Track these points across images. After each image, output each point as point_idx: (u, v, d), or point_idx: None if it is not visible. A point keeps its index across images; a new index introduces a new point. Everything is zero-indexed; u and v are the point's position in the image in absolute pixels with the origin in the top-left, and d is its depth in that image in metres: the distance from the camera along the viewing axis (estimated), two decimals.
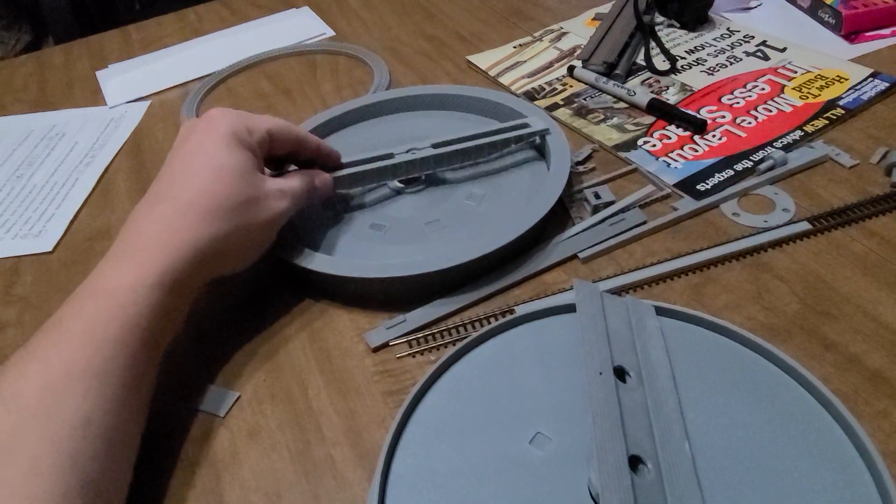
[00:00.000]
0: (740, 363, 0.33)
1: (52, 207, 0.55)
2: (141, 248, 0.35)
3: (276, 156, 0.44)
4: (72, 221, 0.54)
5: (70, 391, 0.30)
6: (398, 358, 0.39)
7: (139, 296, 0.33)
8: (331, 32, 0.78)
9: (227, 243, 0.37)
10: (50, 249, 0.51)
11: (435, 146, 0.49)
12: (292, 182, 0.42)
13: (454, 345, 0.38)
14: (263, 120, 0.42)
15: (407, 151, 0.49)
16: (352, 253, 0.45)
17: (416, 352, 0.39)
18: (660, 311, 0.35)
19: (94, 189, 0.57)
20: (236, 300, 0.44)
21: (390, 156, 0.48)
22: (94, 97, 0.72)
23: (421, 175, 0.50)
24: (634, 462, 0.28)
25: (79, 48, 0.83)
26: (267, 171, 0.43)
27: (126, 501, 0.32)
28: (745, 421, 0.30)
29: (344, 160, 0.48)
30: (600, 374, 0.30)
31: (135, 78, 0.74)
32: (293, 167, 0.46)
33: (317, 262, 0.42)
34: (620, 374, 0.31)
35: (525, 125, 0.50)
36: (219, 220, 0.37)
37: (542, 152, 0.51)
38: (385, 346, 0.40)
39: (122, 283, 0.34)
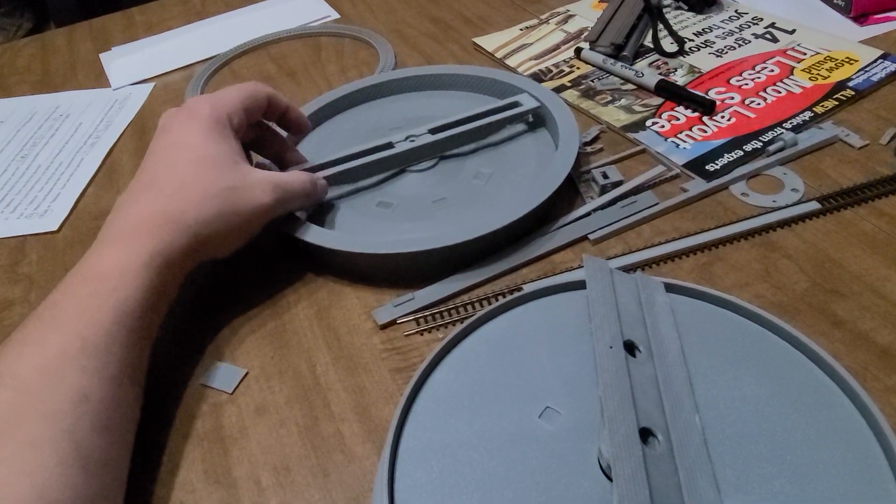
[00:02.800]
0: (750, 338, 0.33)
1: (56, 187, 0.55)
2: (129, 233, 0.36)
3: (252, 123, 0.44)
4: (77, 201, 0.54)
5: (67, 369, 0.30)
6: (406, 335, 0.39)
7: (129, 278, 0.34)
8: (335, 15, 0.78)
9: (209, 227, 0.38)
10: (55, 228, 0.51)
11: (433, 131, 0.49)
12: (290, 179, 0.42)
13: (462, 322, 0.38)
14: (235, 98, 0.42)
15: (406, 139, 0.49)
16: (359, 230, 0.45)
17: (424, 329, 0.39)
18: (669, 288, 0.35)
19: (98, 169, 0.57)
20: (244, 278, 0.44)
21: (390, 145, 0.48)
22: (98, 79, 0.72)
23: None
24: (645, 434, 0.28)
25: (82, 30, 0.83)
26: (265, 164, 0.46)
27: (127, 476, 0.32)
28: (755, 395, 0.30)
29: (347, 149, 0.48)
30: (610, 347, 0.30)
31: (139, 60, 0.74)
32: (295, 169, 0.46)
33: (324, 238, 0.42)
34: (630, 348, 0.31)
35: (517, 104, 0.50)
36: (202, 207, 0.37)
37: (551, 132, 0.50)
38: (393, 323, 0.40)
39: (112, 266, 0.34)
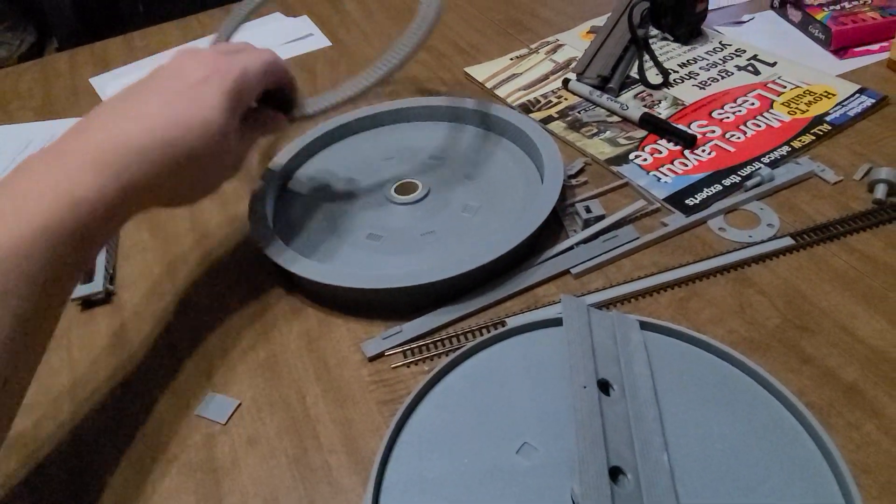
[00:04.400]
0: (719, 377, 0.34)
1: None
2: (101, 158, 0.34)
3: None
4: None
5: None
6: (393, 368, 0.40)
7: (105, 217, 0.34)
8: (327, 42, 0.79)
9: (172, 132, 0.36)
10: None
11: None
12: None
13: (447, 355, 0.39)
14: (261, 75, 0.41)
15: None
16: (349, 262, 0.46)
17: (411, 362, 0.40)
18: (644, 326, 0.37)
19: None
20: (236, 309, 0.46)
21: None
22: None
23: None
24: (615, 473, 0.29)
25: (83, 55, 0.84)
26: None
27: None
28: (723, 433, 0.32)
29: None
30: (584, 387, 0.32)
31: (133, 81, 0.75)
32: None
33: (315, 271, 0.43)
34: (604, 387, 0.33)
35: None
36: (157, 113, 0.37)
37: (537, 165, 0.52)
38: (381, 355, 0.41)
39: (89, 198, 0.33)
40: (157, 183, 0.36)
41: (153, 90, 0.38)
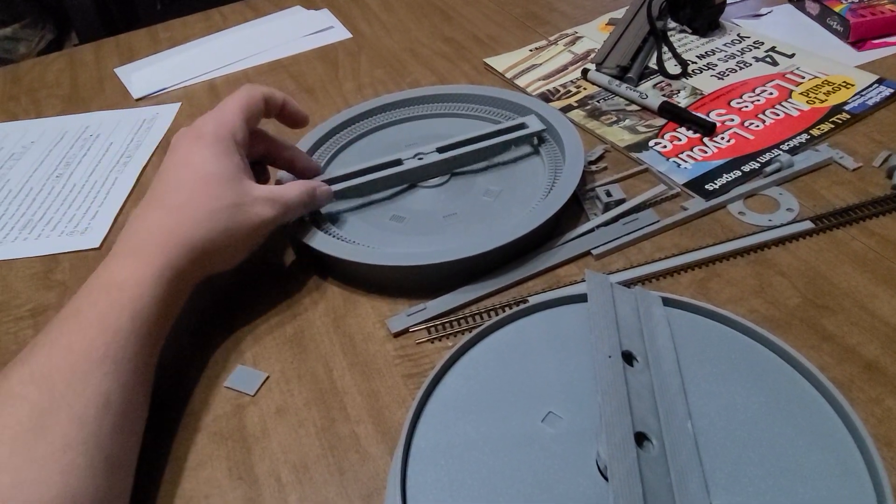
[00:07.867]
0: (742, 351, 0.35)
1: (94, 206, 0.57)
2: (140, 248, 0.39)
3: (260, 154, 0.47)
4: (115, 219, 0.56)
5: (92, 373, 0.33)
6: (418, 343, 0.41)
7: (144, 288, 0.37)
8: (348, 34, 0.80)
9: (215, 244, 0.40)
10: (98, 246, 0.53)
11: (440, 150, 0.51)
12: (287, 191, 0.44)
13: (471, 331, 0.40)
14: (235, 111, 0.44)
15: (414, 157, 0.51)
16: (373, 242, 0.47)
17: (435, 338, 0.41)
18: (666, 302, 0.37)
19: (133, 188, 0.59)
20: (264, 286, 0.47)
21: (399, 162, 0.51)
22: (125, 94, 0.75)
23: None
24: (640, 438, 0.30)
25: (108, 46, 0.86)
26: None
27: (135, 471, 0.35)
28: (745, 404, 0.32)
29: (357, 165, 0.51)
30: (609, 357, 0.32)
31: (158, 70, 0.77)
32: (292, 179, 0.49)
33: (341, 249, 0.44)
34: (628, 358, 0.34)
35: (524, 125, 0.53)
36: (207, 223, 0.40)
37: (558, 151, 0.53)
38: (405, 331, 0.42)
39: (127, 277, 0.37)
40: (211, 245, 0.40)
41: (170, 182, 0.42)
